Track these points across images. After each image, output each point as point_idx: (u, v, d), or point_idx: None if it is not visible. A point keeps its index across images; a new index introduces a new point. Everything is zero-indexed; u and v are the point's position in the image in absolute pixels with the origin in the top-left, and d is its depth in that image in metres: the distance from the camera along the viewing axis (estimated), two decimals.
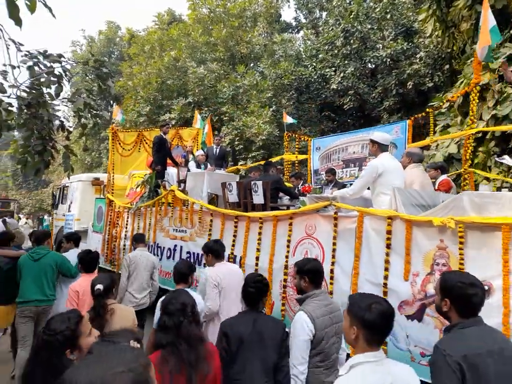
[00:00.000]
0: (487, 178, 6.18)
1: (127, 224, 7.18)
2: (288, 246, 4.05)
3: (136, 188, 7.51)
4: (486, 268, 2.67)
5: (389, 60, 11.83)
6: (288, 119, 8.54)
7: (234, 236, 4.70)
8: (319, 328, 2.34)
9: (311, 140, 7.86)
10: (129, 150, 8.88)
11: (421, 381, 1.96)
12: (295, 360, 2.35)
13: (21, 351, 3.84)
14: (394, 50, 11.71)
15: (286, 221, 4.14)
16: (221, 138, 8.31)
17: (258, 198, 4.75)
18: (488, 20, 4.89)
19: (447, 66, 10.97)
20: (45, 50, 3.50)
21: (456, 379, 1.60)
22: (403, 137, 6.42)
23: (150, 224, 6.44)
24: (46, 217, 18.97)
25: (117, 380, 0.84)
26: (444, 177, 5.33)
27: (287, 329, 2.53)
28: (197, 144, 9.77)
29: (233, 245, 4.69)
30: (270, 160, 6.84)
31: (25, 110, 3.45)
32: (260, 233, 4.37)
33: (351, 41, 12.56)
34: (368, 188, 3.90)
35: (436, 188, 4.94)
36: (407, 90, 11.74)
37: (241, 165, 12.05)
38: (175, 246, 5.67)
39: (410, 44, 11.97)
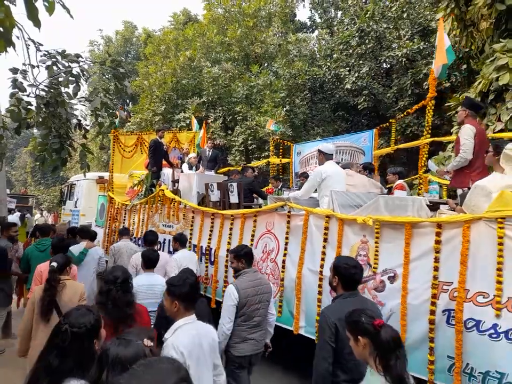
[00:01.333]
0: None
1: (124, 220, 7.82)
2: (252, 240, 4.68)
3: (134, 186, 8.26)
4: (394, 258, 3.25)
5: (404, 59, 11.66)
6: (272, 126, 9.42)
7: (211, 230, 5.34)
8: (242, 296, 3.09)
9: (293, 145, 8.59)
10: (129, 152, 9.73)
11: None
12: (224, 320, 3.08)
13: None
14: (411, 50, 11.54)
15: (251, 218, 4.78)
16: (214, 143, 9.12)
17: (233, 198, 5.39)
18: (443, 40, 5.44)
19: (465, 66, 10.75)
20: (63, 50, 3.58)
21: (331, 334, 2.27)
22: (370, 145, 7.08)
23: (143, 219, 7.04)
24: None
25: None
26: (399, 181, 5.95)
27: None
28: (193, 147, 10.34)
29: (209, 239, 5.34)
30: (247, 164, 7.87)
31: (43, 109, 3.53)
32: (231, 229, 5.01)
33: (366, 40, 12.42)
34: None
35: (392, 191, 5.51)
36: (423, 90, 11.55)
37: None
38: (164, 239, 6.17)
39: (427, 44, 11.77)
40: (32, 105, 3.52)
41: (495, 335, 2.64)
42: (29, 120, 3.63)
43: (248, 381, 3.26)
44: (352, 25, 13.03)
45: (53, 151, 3.71)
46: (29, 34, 3.16)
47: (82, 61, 3.68)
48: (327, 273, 3.58)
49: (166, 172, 8.05)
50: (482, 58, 8.28)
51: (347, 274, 2.48)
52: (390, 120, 7.60)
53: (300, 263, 3.99)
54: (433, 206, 3.63)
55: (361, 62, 12.62)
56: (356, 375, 2.12)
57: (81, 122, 4.17)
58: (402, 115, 7.40)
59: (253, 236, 4.69)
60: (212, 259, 5.23)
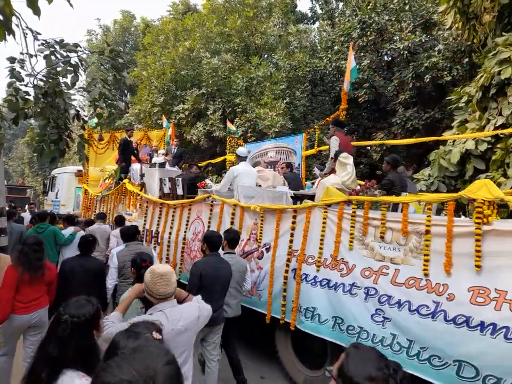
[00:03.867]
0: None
1: (95, 209, 9.25)
2: (187, 224, 5.87)
3: (105, 179, 9.59)
4: (270, 235, 4.52)
5: (406, 52, 11.58)
6: (231, 127, 10.47)
7: (159, 217, 6.53)
8: (120, 261, 4.37)
9: (244, 144, 9.90)
10: (102, 148, 10.81)
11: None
12: (109, 277, 4.37)
13: None
14: (412, 43, 11.45)
15: (187, 207, 5.98)
16: (178, 141, 10.18)
17: (179, 190, 6.51)
18: (351, 61, 6.76)
19: (467, 59, 10.68)
20: (62, 40, 3.51)
21: (198, 276, 3.52)
22: (300, 146, 8.30)
23: (110, 208, 8.31)
24: None
25: (167, 371, 0.92)
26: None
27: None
28: (163, 144, 11.44)
29: (158, 224, 6.51)
30: (193, 162, 9.02)
31: (42, 99, 3.48)
32: (173, 216, 6.20)
33: (368, 33, 12.31)
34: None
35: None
36: (424, 83, 11.49)
37: None
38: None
39: (428, 36, 11.68)
40: (30, 95, 3.47)
41: (314, 283, 3.96)
42: (26, 110, 3.57)
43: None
44: (354, 17, 12.90)
45: (51, 142, 3.66)
46: (26, 22, 3.09)
47: (80, 51, 3.62)
48: None
49: (135, 167, 8.99)
50: (485, 51, 8.22)
51: (213, 241, 3.76)
52: (315, 126, 9.14)
53: None
54: (303, 198, 4.89)
55: (362, 54, 12.53)
56: (215, 305, 3.18)
57: (80, 113, 4.11)
58: (316, 126, 8.83)
59: (187, 221, 5.89)
60: (159, 240, 6.40)
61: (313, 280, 3.96)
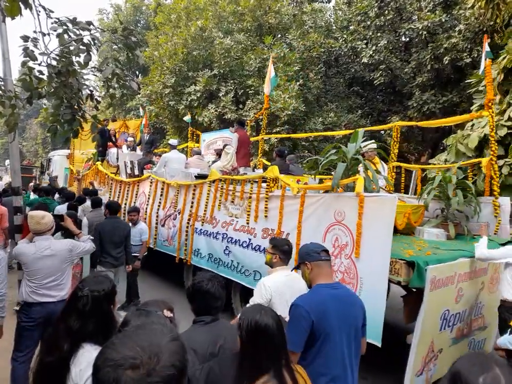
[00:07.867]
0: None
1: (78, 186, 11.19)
2: (136, 197, 7.61)
3: (86, 161, 11.51)
4: (181, 203, 6.26)
5: (425, 32, 11.18)
6: (186, 118, 11.78)
7: (119, 192, 8.23)
8: (90, 221, 5.95)
9: (201, 134, 11.35)
10: (86, 135, 11.85)
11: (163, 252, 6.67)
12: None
13: None
14: (432, 22, 11.04)
15: (137, 184, 7.69)
16: (150, 129, 11.67)
17: (136, 171, 8.10)
18: (271, 70, 8.26)
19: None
20: (74, 18, 3.45)
21: (97, 234, 5.34)
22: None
23: (87, 185, 9.86)
24: None
25: (172, 347, 0.91)
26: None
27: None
28: (139, 132, 12.83)
29: (118, 197, 8.12)
30: (150, 150, 9.96)
31: (55, 78, 3.45)
32: (127, 191, 7.97)
33: (386, 12, 11.91)
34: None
35: None
36: (442, 65, 11.13)
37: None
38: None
39: (449, 16, 11.23)
40: (43, 74, 3.44)
41: (200, 233, 5.84)
42: (40, 89, 3.56)
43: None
44: None
45: (64, 122, 3.65)
46: (39, 0, 3.04)
47: (93, 29, 3.56)
48: (161, 213, 6.69)
49: (113, 151, 10.46)
50: (508, 32, 7.89)
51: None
52: (257, 115, 10.38)
53: (151, 209, 6.99)
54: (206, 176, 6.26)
55: (379, 34, 12.15)
56: (119, 261, 5.41)
57: (93, 92, 4.08)
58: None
59: (136, 195, 7.64)
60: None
61: (199, 231, 5.86)
